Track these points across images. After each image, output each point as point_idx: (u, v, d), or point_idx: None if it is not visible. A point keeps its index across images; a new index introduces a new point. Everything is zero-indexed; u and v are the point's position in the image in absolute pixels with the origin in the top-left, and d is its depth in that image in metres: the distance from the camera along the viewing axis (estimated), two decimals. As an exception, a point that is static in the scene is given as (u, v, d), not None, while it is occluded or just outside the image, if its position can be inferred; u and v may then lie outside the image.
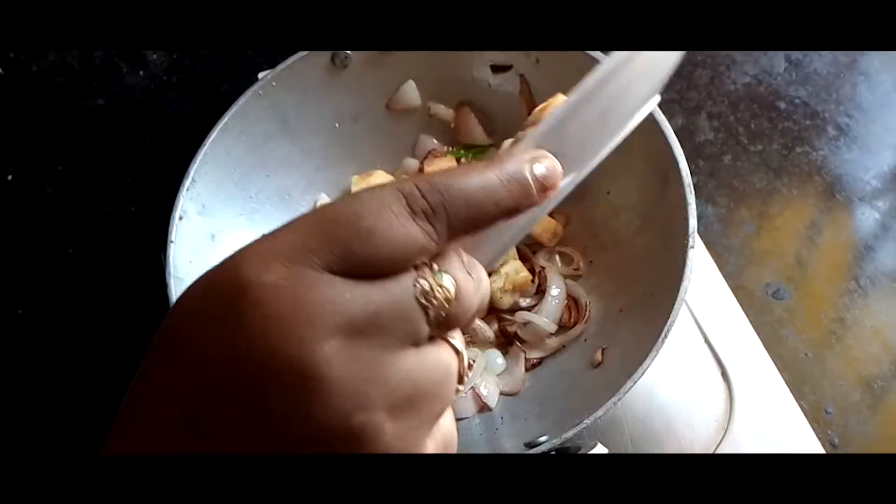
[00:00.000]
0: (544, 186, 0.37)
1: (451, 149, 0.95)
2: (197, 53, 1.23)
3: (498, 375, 0.82)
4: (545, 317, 0.82)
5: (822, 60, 1.18)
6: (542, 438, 0.67)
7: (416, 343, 0.31)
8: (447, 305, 0.31)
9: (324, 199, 0.93)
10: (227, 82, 1.20)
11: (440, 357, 0.33)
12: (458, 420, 0.79)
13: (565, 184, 0.44)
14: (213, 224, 0.82)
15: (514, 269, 0.83)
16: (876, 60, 1.17)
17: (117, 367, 0.98)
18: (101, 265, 1.06)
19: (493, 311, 0.84)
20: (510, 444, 0.74)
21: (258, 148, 0.86)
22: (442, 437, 0.37)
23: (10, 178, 1.14)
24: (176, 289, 0.75)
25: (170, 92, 1.20)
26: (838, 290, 0.97)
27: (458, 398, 0.78)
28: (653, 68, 0.46)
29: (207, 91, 1.19)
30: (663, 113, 0.74)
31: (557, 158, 0.40)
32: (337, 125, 0.92)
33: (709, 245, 0.98)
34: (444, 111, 0.94)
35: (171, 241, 0.77)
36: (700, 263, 0.91)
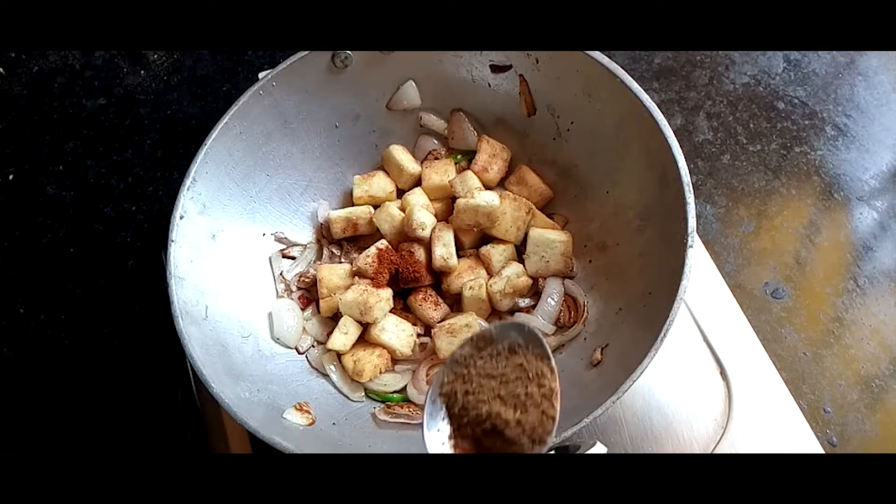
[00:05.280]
0: None
1: (447, 151, 0.96)
2: (198, 53, 1.24)
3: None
4: (542, 318, 0.82)
5: (820, 61, 1.18)
6: (542, 437, 0.67)
7: None
8: None
9: (323, 204, 0.93)
10: (228, 82, 1.20)
11: None
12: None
13: None
14: (213, 223, 0.83)
15: (515, 273, 0.83)
16: (874, 61, 1.18)
17: (117, 365, 0.99)
18: (101, 264, 1.06)
19: (493, 312, 0.85)
20: (510, 443, 0.74)
21: (259, 148, 0.86)
22: None
23: (11, 177, 1.14)
24: (177, 288, 0.75)
25: (171, 92, 1.20)
26: (837, 290, 0.98)
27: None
28: None
29: (208, 91, 1.20)
30: (662, 113, 0.74)
31: None
32: (337, 125, 0.92)
33: (707, 244, 0.99)
34: (435, 121, 0.94)
35: (172, 241, 0.77)
36: (699, 263, 0.91)
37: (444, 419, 0.57)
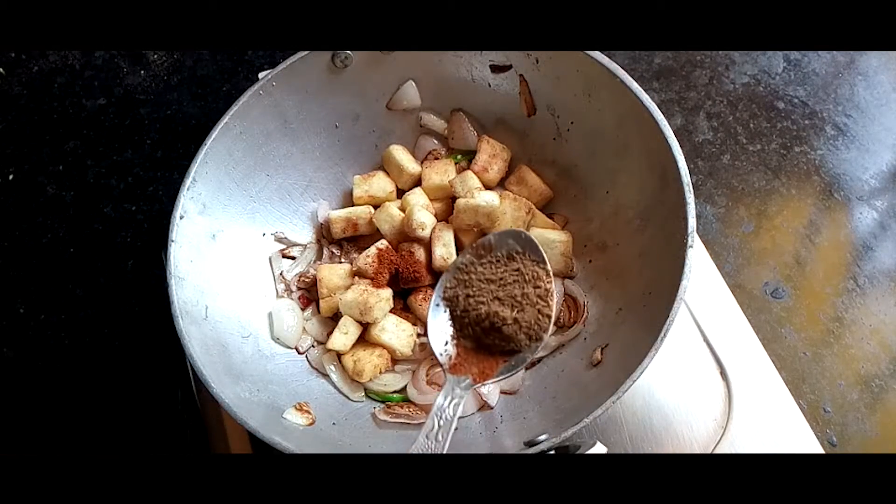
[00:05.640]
0: None
1: (447, 151, 0.96)
2: (198, 53, 1.23)
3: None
4: (544, 316, 0.82)
5: (820, 60, 1.18)
6: (542, 437, 0.67)
7: None
8: None
9: (323, 204, 0.93)
10: (228, 82, 1.20)
11: None
12: (459, 418, 0.80)
13: None
14: (213, 224, 0.83)
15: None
16: (874, 60, 1.18)
17: (118, 365, 0.99)
18: (101, 264, 1.06)
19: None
20: (510, 443, 0.74)
21: (259, 148, 0.86)
22: None
23: (11, 177, 1.14)
24: (177, 288, 0.75)
25: (171, 92, 1.20)
26: (837, 290, 0.98)
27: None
28: None
29: (208, 91, 1.20)
30: (662, 113, 0.74)
31: None
32: (337, 125, 0.92)
33: (707, 244, 0.99)
34: (435, 121, 0.94)
35: (172, 241, 0.77)
36: (699, 263, 0.91)
37: (447, 322, 0.62)
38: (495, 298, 0.61)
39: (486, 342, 0.62)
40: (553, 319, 0.61)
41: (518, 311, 0.60)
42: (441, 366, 0.62)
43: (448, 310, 0.63)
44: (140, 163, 1.13)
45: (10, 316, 1.03)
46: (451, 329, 0.63)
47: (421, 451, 0.52)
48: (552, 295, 0.62)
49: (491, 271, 0.64)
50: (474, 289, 0.62)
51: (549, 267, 0.63)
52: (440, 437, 0.54)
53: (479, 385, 0.60)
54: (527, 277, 0.63)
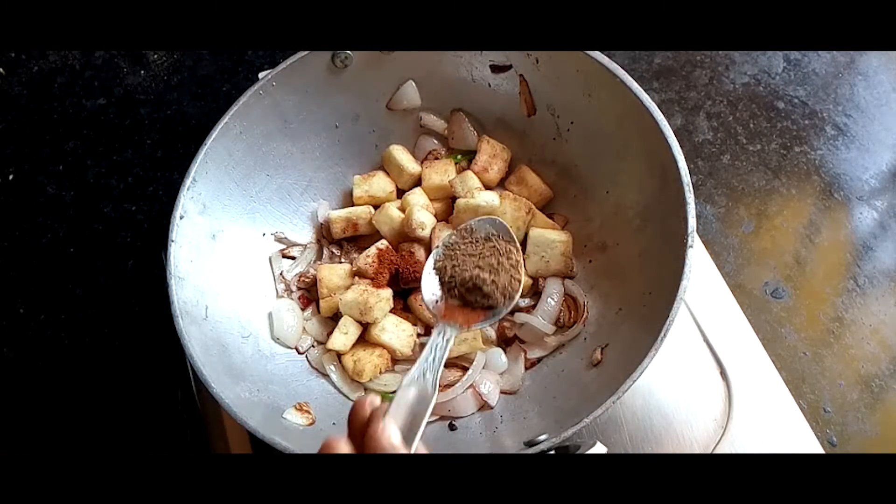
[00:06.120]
0: None
1: (447, 151, 0.96)
2: (198, 53, 1.23)
3: (499, 374, 0.82)
4: (542, 318, 0.82)
5: (820, 60, 1.18)
6: (542, 437, 0.67)
7: None
8: None
9: (323, 204, 0.93)
10: (228, 82, 1.20)
11: None
12: (459, 418, 0.80)
13: None
14: (213, 224, 0.83)
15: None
16: (874, 60, 1.18)
17: (118, 365, 0.99)
18: (101, 264, 1.06)
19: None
20: (510, 443, 0.74)
21: (259, 148, 0.86)
22: None
23: (11, 177, 1.14)
24: (177, 288, 0.75)
25: (171, 92, 1.20)
26: (837, 290, 0.98)
27: (459, 396, 0.79)
28: None
29: (208, 91, 1.20)
30: (662, 113, 0.74)
31: None
32: (337, 125, 0.92)
33: (707, 244, 0.99)
34: (434, 121, 0.94)
35: (172, 241, 0.77)
36: (699, 263, 0.91)
37: (437, 286, 0.76)
38: (476, 267, 0.74)
39: (469, 299, 0.74)
40: (522, 283, 0.74)
41: (495, 275, 0.73)
42: (434, 315, 0.75)
43: (438, 277, 0.76)
44: (140, 163, 1.13)
45: (10, 316, 1.03)
46: (440, 291, 0.75)
47: (417, 375, 0.62)
48: (522, 265, 0.76)
49: (472, 248, 0.77)
50: (459, 261, 0.76)
51: (518, 245, 0.77)
52: (435, 361, 0.64)
53: (466, 329, 0.73)
54: (501, 251, 0.75)
